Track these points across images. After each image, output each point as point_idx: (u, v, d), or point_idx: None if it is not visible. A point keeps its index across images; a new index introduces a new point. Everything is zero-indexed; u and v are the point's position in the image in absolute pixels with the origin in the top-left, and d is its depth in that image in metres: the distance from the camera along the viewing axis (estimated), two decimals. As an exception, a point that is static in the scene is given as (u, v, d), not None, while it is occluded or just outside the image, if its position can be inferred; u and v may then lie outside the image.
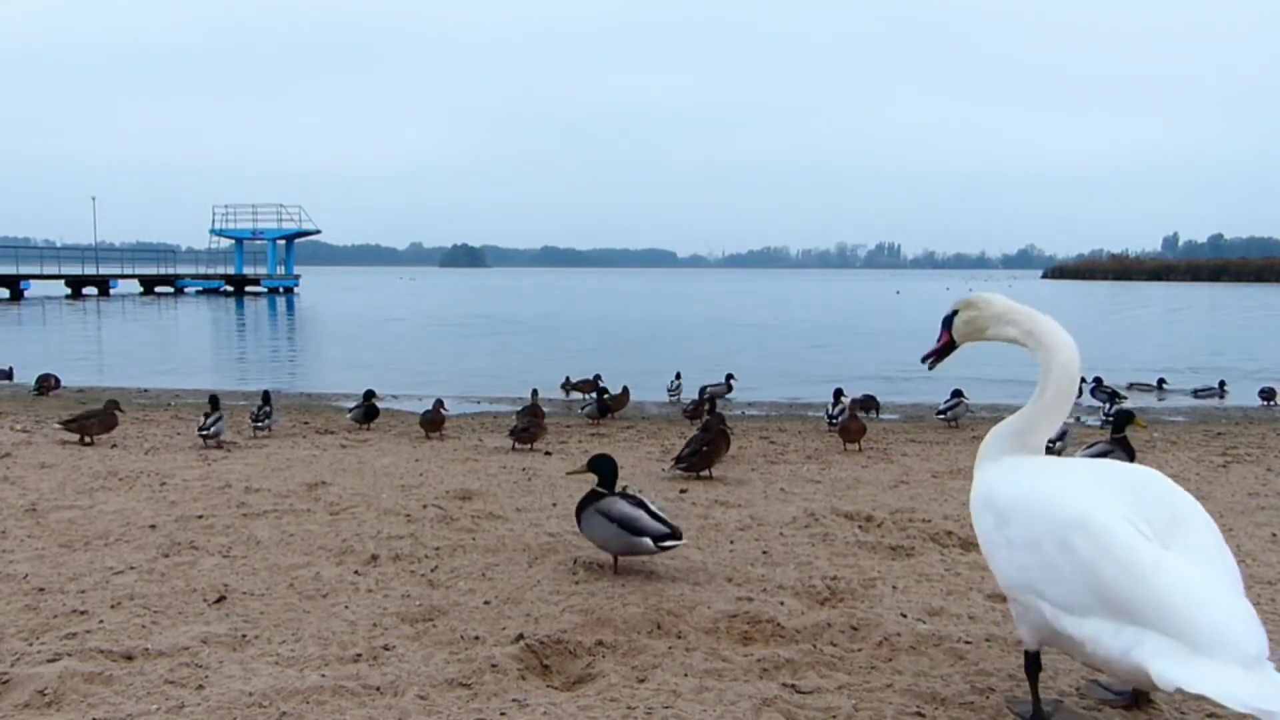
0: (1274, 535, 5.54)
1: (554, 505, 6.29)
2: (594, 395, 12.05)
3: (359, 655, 3.61)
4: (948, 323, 3.42)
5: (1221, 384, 15.66)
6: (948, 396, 11.46)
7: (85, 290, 55.48)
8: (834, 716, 3.12)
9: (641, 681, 3.39)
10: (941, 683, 3.39)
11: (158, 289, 59.82)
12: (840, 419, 9.93)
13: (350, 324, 35.54)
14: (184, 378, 17.44)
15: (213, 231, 59.26)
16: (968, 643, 3.77)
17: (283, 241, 59.53)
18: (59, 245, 78.65)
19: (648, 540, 4.65)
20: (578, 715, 3.11)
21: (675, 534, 4.69)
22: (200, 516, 5.85)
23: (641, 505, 4.74)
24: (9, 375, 15.91)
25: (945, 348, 3.45)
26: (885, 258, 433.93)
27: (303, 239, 61.64)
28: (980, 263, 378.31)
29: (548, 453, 8.87)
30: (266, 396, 10.33)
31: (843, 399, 11.16)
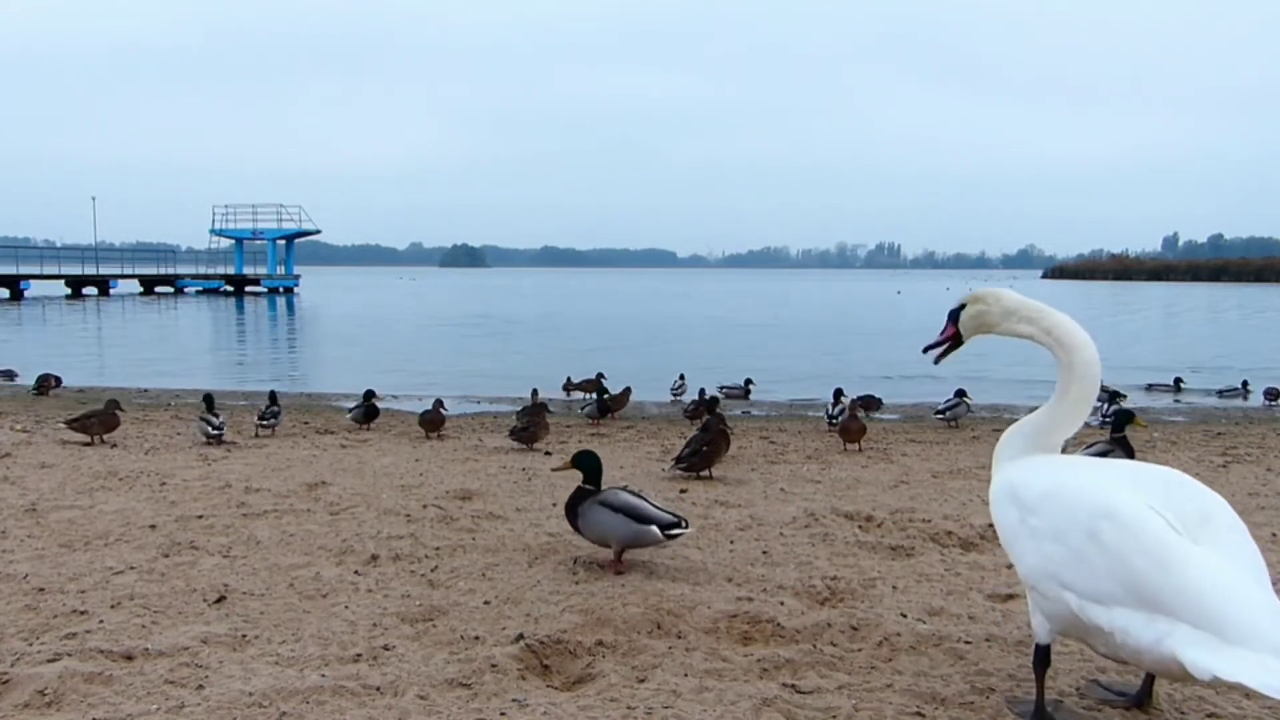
0: (1274, 535, 5.53)
1: (554, 505, 6.28)
2: (594, 395, 12.05)
3: (359, 655, 3.61)
4: (954, 316, 3.36)
5: (1245, 384, 15.60)
6: (950, 395, 11.45)
7: (85, 290, 55.51)
8: (834, 716, 3.12)
9: (641, 681, 3.39)
10: (941, 683, 3.39)
11: (158, 289, 59.85)
12: (840, 419, 9.93)
13: (350, 324, 35.56)
14: (184, 378, 17.45)
15: (213, 231, 59.31)
16: (968, 643, 3.76)
17: (283, 241, 59.56)
18: (59, 245, 78.79)
19: (654, 529, 4.56)
20: (578, 715, 3.10)
21: (682, 522, 4.65)
22: (200, 516, 5.85)
23: (641, 497, 4.72)
24: (11, 377, 15.92)
25: (951, 342, 3.39)
26: (885, 258, 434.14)
27: (303, 239, 61.69)
28: (980, 263, 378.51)
29: (548, 453, 8.88)
30: (273, 396, 10.39)
31: (843, 399, 11.16)
